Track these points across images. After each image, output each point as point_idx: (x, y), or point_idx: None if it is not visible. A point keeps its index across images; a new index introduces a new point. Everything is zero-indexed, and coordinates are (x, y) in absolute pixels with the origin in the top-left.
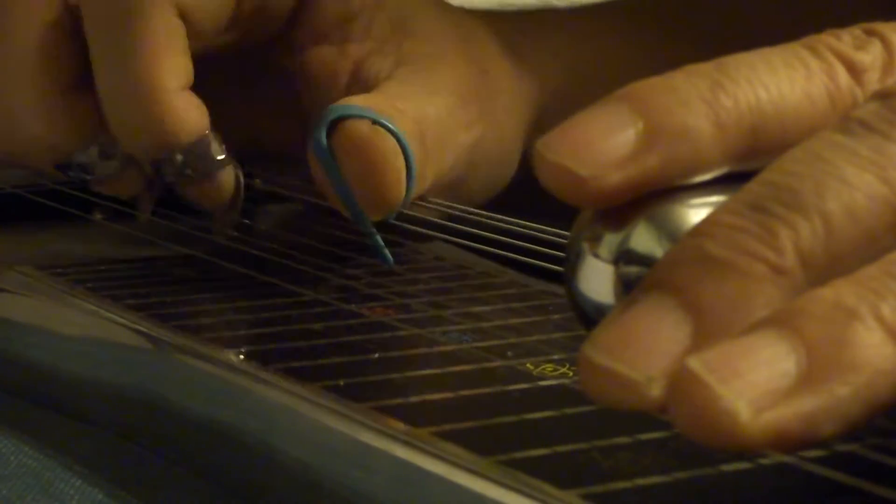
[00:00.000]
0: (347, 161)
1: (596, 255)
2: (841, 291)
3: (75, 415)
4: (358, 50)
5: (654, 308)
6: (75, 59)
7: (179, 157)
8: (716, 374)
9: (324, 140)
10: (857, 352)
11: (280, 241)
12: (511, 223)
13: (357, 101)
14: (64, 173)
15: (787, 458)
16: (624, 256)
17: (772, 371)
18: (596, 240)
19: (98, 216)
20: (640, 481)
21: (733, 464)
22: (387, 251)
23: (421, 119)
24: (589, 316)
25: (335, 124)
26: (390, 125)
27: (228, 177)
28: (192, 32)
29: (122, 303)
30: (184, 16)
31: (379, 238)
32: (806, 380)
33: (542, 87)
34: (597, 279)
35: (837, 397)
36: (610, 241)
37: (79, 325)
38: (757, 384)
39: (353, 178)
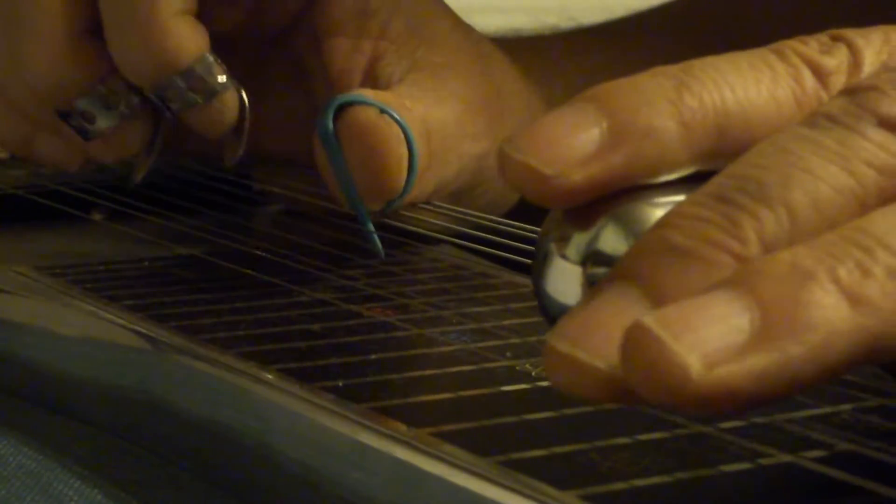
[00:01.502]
0: (351, 144)
1: (564, 257)
2: (798, 254)
3: (74, 415)
4: (373, 47)
5: (618, 297)
6: (88, 5)
7: (181, 82)
8: (669, 330)
9: (330, 123)
10: (812, 312)
11: (279, 241)
12: (510, 225)
13: (367, 93)
14: (65, 121)
15: (787, 458)
16: (591, 258)
17: (725, 327)
18: (564, 240)
19: (97, 216)
20: (639, 482)
21: (733, 464)
22: (378, 242)
23: (428, 121)
24: (555, 316)
25: (343, 109)
26: (397, 116)
27: (232, 99)
28: None
29: (121, 303)
30: None
31: (372, 227)
32: (759, 337)
33: None
34: (564, 280)
35: (790, 356)
36: (578, 241)
37: (77, 326)
38: (709, 339)
39: (355, 162)
